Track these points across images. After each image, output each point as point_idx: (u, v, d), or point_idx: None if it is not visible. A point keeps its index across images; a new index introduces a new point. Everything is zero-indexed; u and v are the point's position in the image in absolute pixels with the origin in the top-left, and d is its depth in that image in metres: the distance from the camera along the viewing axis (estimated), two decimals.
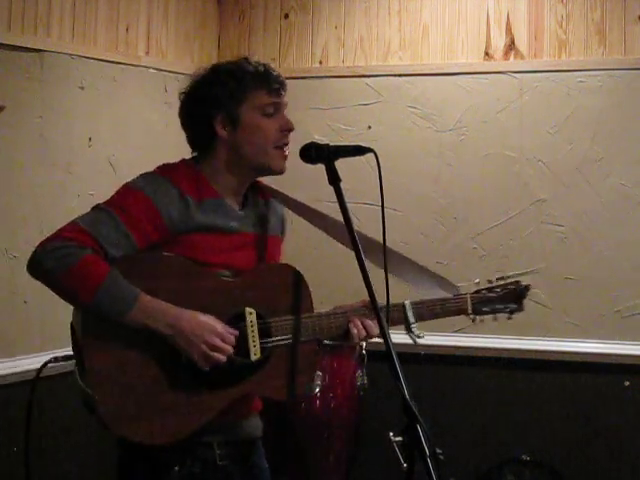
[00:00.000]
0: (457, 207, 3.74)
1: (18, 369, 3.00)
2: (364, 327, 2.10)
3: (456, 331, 3.64)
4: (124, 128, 3.45)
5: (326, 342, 2.20)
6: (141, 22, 3.56)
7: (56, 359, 2.89)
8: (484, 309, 2.25)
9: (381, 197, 1.83)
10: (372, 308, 1.77)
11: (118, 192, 2.01)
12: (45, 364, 2.91)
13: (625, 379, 3.52)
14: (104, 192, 3.32)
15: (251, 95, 2.02)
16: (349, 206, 1.87)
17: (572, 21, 3.61)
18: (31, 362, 3.04)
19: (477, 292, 2.26)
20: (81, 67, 3.25)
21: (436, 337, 3.53)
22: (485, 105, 3.70)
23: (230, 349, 1.93)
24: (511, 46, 3.69)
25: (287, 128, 2.05)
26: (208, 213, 2.00)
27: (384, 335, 1.72)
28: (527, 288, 2.29)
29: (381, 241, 1.96)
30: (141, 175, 2.03)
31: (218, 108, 2.02)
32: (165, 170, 2.04)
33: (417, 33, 3.80)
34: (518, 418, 3.64)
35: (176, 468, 2.00)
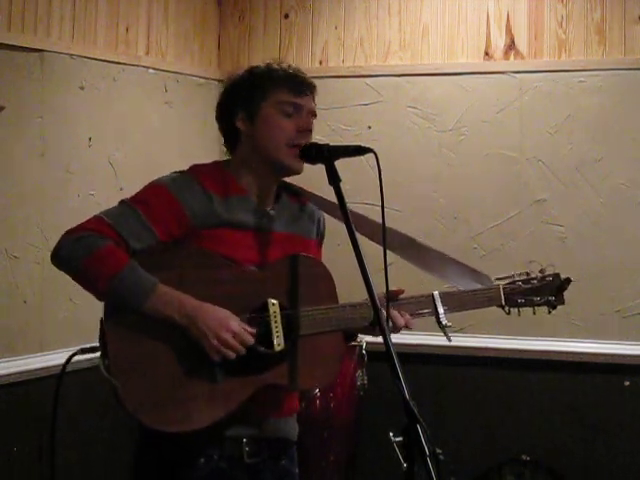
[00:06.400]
0: (457, 207, 3.74)
1: (17, 369, 3.00)
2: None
3: (456, 331, 3.63)
4: (124, 128, 3.45)
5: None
6: (141, 22, 3.56)
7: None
8: (519, 300, 2.19)
9: (381, 197, 1.83)
10: (372, 307, 1.77)
11: (143, 188, 2.04)
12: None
13: (625, 379, 3.52)
14: (104, 192, 3.36)
15: (272, 92, 2.04)
16: (349, 206, 1.88)
17: (572, 21, 3.61)
18: (30, 362, 3.04)
19: (511, 283, 2.21)
20: (81, 67, 3.25)
21: (436, 337, 3.51)
22: (485, 105, 3.70)
23: (241, 349, 1.92)
24: (511, 46, 3.69)
25: (304, 128, 2.05)
26: (233, 209, 2.02)
27: (384, 335, 1.72)
28: (568, 281, 2.23)
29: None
30: (168, 173, 2.07)
31: (240, 105, 2.07)
32: (192, 168, 2.08)
33: (417, 33, 3.80)
34: (518, 418, 3.63)
35: (202, 460, 1.99)
